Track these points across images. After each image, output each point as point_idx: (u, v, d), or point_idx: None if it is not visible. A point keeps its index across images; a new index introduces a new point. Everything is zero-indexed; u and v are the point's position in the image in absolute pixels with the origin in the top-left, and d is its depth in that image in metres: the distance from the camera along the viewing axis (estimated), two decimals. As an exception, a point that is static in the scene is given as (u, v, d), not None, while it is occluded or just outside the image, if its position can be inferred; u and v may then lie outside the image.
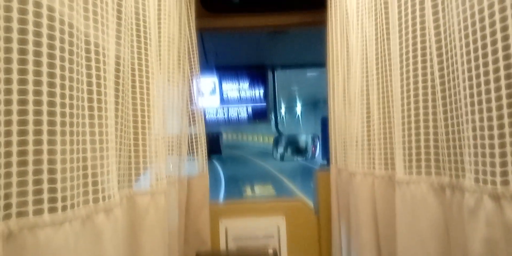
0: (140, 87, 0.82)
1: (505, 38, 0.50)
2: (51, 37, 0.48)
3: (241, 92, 3.19)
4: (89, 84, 0.58)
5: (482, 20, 0.53)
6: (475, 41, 0.55)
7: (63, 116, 0.50)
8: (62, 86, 0.49)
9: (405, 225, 0.78)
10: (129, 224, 0.76)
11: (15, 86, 0.44)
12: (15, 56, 0.44)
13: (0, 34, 0.43)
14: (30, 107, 0.46)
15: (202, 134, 1.30)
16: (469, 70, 0.56)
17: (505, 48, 0.50)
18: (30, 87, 0.46)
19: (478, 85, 0.55)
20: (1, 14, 0.43)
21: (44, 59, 0.47)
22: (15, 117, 0.44)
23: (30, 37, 0.46)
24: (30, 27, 0.46)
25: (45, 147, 0.47)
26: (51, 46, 0.48)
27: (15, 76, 0.44)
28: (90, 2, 0.59)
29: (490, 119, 0.53)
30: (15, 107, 0.44)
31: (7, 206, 0.44)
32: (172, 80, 1.10)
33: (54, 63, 0.48)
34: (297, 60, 2.83)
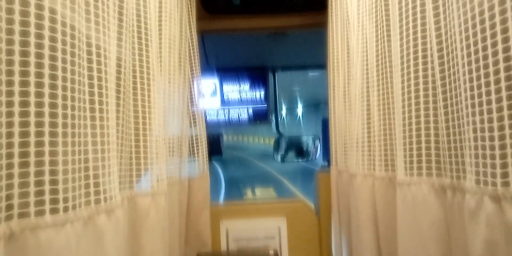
0: (141, 89, 0.82)
1: (506, 40, 0.51)
2: (53, 39, 0.48)
3: (242, 93, 3.19)
4: (91, 85, 0.58)
5: (482, 22, 0.54)
6: (476, 43, 0.55)
7: (64, 118, 0.50)
8: (64, 88, 0.50)
9: (406, 226, 0.78)
10: (130, 225, 0.76)
11: (16, 88, 0.45)
12: (17, 58, 0.45)
13: (2, 36, 0.43)
14: (32, 109, 0.46)
15: (203, 136, 1.30)
16: (470, 72, 0.56)
17: (506, 50, 0.51)
18: (32, 89, 0.46)
19: (479, 86, 0.55)
20: (3, 16, 0.44)
21: (46, 61, 0.47)
22: (16, 119, 0.45)
23: (32, 39, 0.46)
24: (32, 29, 0.46)
25: (46, 148, 0.47)
26: (52, 48, 0.48)
27: (16, 78, 0.45)
28: (91, 4, 0.59)
29: (490, 120, 0.53)
30: (16, 109, 0.45)
31: (9, 207, 0.44)
32: (173, 82, 1.10)
33: (55, 65, 0.48)
34: (297, 61, 2.84)
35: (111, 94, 0.63)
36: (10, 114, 0.44)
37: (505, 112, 0.51)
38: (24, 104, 0.45)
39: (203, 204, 1.29)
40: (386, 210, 0.91)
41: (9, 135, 0.44)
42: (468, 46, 0.57)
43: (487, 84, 0.53)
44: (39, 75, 0.46)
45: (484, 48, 0.54)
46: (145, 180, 0.83)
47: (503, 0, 0.50)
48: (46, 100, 0.47)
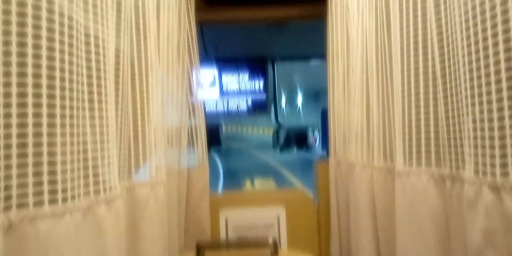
0: (139, 80, 0.81)
1: (506, 30, 0.50)
2: (50, 30, 0.48)
3: (241, 84, 3.19)
4: (89, 77, 0.58)
5: (483, 12, 0.53)
6: (476, 33, 0.55)
7: (62, 109, 0.50)
8: (62, 79, 0.49)
9: (405, 216, 0.79)
10: (129, 215, 0.77)
11: (13, 79, 0.44)
12: (13, 49, 0.44)
13: None
14: (30, 100, 0.46)
15: (202, 126, 1.30)
16: (470, 62, 0.56)
17: (506, 40, 0.50)
18: (29, 80, 0.45)
19: (479, 77, 0.55)
20: (0, 8, 0.43)
21: (43, 52, 0.47)
22: (14, 110, 0.44)
23: (29, 30, 0.45)
24: (29, 20, 0.45)
25: (44, 139, 0.47)
26: (50, 39, 0.48)
27: (14, 69, 0.44)
28: None
29: (490, 111, 0.53)
30: (14, 100, 0.44)
31: (8, 198, 0.44)
32: (172, 73, 1.09)
33: (53, 56, 0.48)
34: (297, 52, 2.83)
35: (110, 85, 0.63)
36: (7, 105, 0.44)
37: (505, 103, 0.51)
38: (21, 95, 0.45)
39: (203, 194, 1.30)
40: (384, 200, 0.92)
41: (7, 126, 0.44)
42: (468, 37, 0.56)
43: (487, 74, 0.53)
44: (37, 66, 0.46)
45: (485, 38, 0.53)
46: (144, 170, 0.83)
47: None
48: (44, 91, 0.47)
